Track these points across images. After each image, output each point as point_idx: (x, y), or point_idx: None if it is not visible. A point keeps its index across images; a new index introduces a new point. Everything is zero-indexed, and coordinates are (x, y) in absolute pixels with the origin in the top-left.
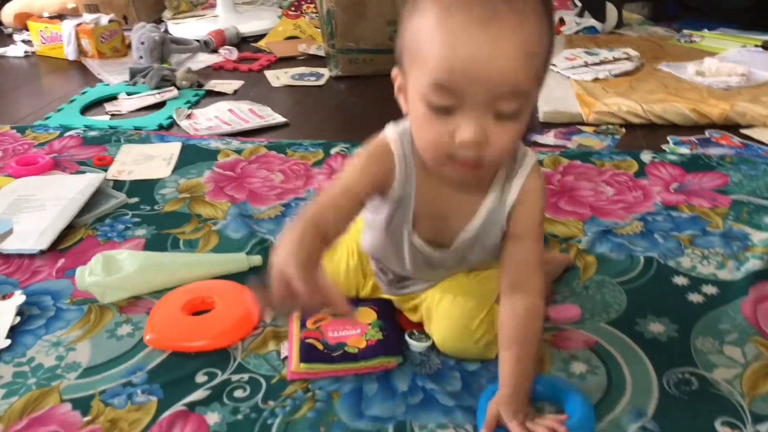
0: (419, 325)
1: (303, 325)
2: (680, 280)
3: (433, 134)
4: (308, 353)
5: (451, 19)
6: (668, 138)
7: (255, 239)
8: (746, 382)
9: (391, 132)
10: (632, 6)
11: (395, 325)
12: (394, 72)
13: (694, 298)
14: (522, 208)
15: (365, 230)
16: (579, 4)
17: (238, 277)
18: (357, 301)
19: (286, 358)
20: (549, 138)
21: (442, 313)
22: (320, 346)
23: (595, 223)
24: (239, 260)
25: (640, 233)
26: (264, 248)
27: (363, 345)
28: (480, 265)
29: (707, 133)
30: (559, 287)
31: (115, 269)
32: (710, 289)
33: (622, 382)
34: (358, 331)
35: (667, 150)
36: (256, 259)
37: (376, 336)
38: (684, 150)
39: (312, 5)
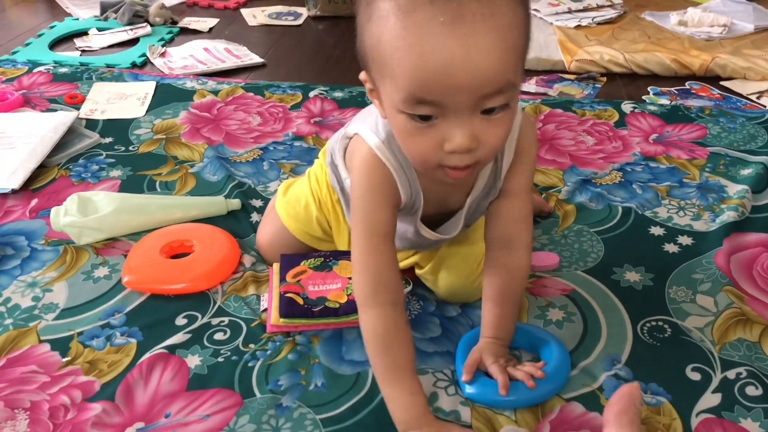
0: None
1: (283, 278)
2: (657, 231)
3: (419, 145)
4: (288, 308)
5: (413, 23)
6: (649, 88)
7: (233, 182)
8: (717, 330)
9: (372, 141)
10: None
11: None
12: (362, 76)
13: (670, 248)
14: (517, 167)
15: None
16: None
17: (216, 220)
18: (338, 254)
19: (265, 310)
20: (530, 85)
21: (451, 261)
22: (300, 301)
23: (575, 172)
24: (218, 203)
25: (618, 183)
26: (242, 191)
27: (344, 300)
28: None
29: (687, 85)
30: (539, 235)
31: (92, 210)
32: (686, 240)
33: (597, 330)
34: (338, 285)
35: (648, 100)
36: (235, 203)
37: None
38: (664, 101)
39: None
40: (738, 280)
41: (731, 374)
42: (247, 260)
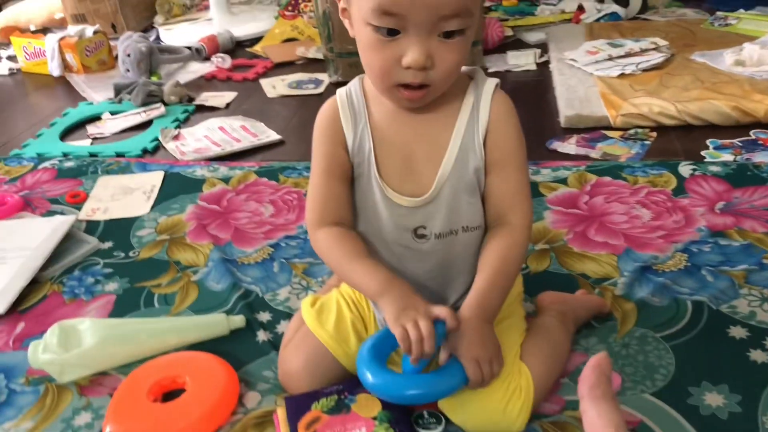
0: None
1: (294, 430)
2: (738, 332)
3: (380, 59)
4: None
5: None
6: (708, 142)
7: (238, 292)
8: None
9: (341, 89)
10: None
11: (404, 414)
12: None
13: (757, 356)
14: (497, 133)
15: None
16: None
17: (216, 343)
18: (352, 386)
19: None
20: (570, 146)
21: (470, 403)
22: None
23: (632, 257)
24: (218, 323)
25: (684, 269)
26: (248, 303)
27: None
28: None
29: (752, 134)
30: (594, 344)
31: (75, 342)
32: None
33: None
34: (363, 430)
35: (707, 156)
36: (238, 320)
37: None
38: (727, 156)
39: (310, 3)
40: None
41: None
42: (250, 399)
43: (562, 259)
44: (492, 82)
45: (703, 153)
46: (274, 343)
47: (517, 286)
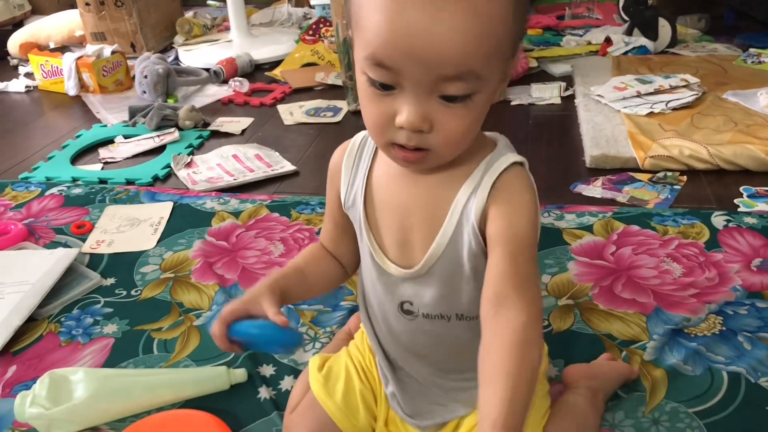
0: None
1: None
2: None
3: (375, 113)
4: None
5: None
6: (741, 189)
7: None
8: None
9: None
10: (686, 19)
11: None
12: (349, 31)
13: None
14: (501, 208)
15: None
16: (627, 19)
17: (215, 399)
18: None
19: None
20: (596, 188)
21: None
22: None
23: (662, 318)
24: (218, 377)
25: (719, 334)
26: (251, 354)
27: None
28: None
29: None
30: (621, 419)
31: (65, 395)
32: None
33: None
34: None
35: (741, 205)
36: (239, 374)
37: None
38: (762, 205)
39: (332, 28)
40: None
41: None
42: None
43: (586, 317)
44: (508, 158)
45: (736, 201)
46: (277, 402)
47: (543, 361)
